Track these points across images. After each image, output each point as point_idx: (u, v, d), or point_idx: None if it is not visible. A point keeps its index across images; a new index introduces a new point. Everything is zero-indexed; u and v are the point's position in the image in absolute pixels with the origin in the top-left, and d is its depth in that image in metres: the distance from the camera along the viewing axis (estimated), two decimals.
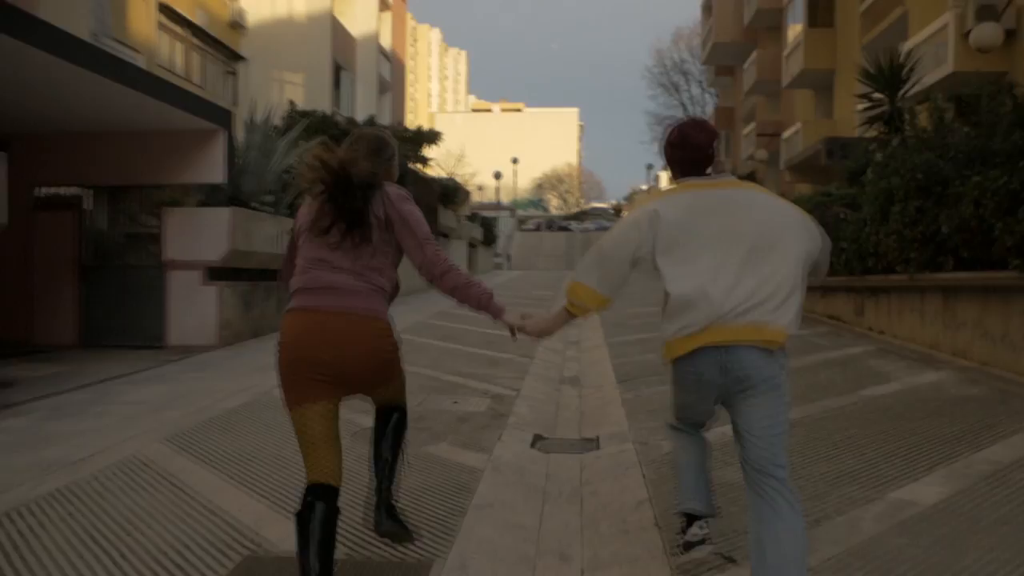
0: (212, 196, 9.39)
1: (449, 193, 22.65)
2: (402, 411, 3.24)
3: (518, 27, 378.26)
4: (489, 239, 34.44)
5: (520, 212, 71.94)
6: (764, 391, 2.61)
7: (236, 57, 21.57)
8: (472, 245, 30.12)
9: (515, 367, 8.21)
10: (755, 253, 2.60)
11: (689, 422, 3.04)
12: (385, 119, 21.89)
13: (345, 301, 2.69)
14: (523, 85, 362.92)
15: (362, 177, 2.71)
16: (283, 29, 22.47)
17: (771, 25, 32.53)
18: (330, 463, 2.65)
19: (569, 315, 2.84)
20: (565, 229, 65.83)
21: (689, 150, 2.80)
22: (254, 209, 9.82)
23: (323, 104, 20.36)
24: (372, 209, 2.76)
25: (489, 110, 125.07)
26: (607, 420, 6.34)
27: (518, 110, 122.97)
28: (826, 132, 24.18)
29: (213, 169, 9.04)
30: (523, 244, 51.65)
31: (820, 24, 24.91)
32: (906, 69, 12.98)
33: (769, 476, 2.54)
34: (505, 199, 70.49)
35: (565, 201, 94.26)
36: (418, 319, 12.81)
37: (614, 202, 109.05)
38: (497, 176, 45.43)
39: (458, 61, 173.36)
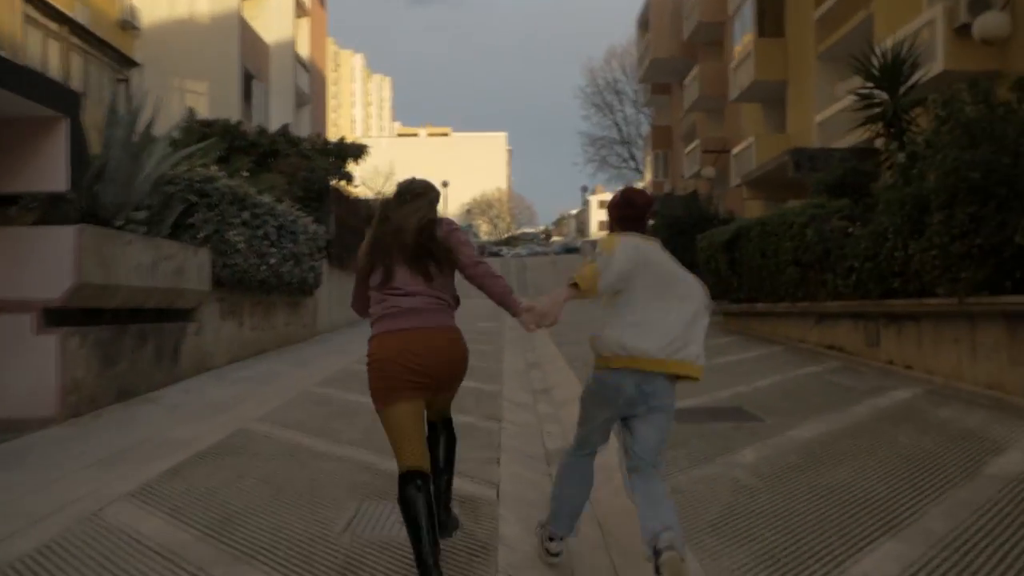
0: (52, 211, 6.82)
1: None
2: (450, 424, 3.77)
3: (442, 53, 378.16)
4: None
5: None
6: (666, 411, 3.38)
7: (128, 62, 18.79)
8: None
9: (483, 440, 5.93)
10: (683, 302, 3.32)
11: (590, 445, 3.56)
12: (304, 132, 19.40)
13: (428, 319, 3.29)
14: (449, 111, 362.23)
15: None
16: (184, 32, 19.82)
17: (711, 39, 31.39)
18: (420, 453, 3.26)
19: (574, 290, 3.25)
20: (496, 255, 63.81)
21: (632, 209, 3.46)
22: (118, 228, 7.28)
23: (232, 117, 17.74)
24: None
25: (415, 135, 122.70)
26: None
27: (445, 134, 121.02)
28: (781, 146, 22.76)
29: (50, 173, 6.52)
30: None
31: (770, 34, 23.65)
32: (908, 63, 11.33)
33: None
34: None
35: (496, 226, 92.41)
36: (344, 364, 10.38)
37: (544, 227, 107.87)
38: None
39: (382, 87, 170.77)
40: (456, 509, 3.93)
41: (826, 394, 7.78)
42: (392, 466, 3.65)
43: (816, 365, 9.92)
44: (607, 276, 3.24)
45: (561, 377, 9.82)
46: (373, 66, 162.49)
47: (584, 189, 53.70)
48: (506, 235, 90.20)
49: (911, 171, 9.00)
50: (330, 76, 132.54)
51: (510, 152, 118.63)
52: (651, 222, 3.78)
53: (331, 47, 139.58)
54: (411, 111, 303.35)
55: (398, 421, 3.27)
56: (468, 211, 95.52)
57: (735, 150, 25.32)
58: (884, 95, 11.62)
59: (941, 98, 8.85)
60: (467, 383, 3.87)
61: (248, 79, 20.71)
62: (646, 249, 3.36)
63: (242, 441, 5.77)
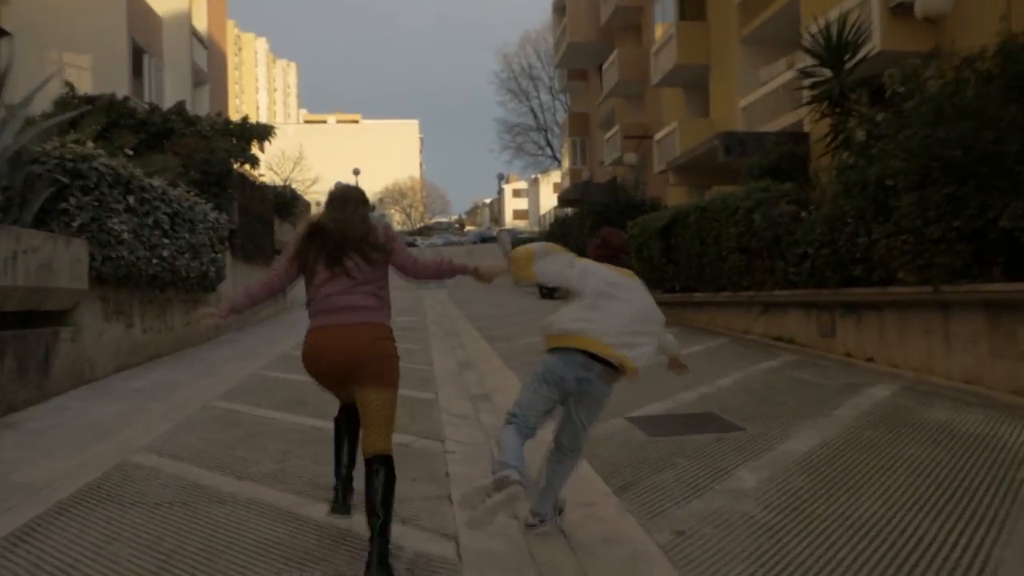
0: None
1: (286, 203, 18.76)
2: (389, 464, 3.37)
3: (350, 39, 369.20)
4: None
5: None
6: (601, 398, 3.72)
7: None
8: None
9: (426, 468, 4.94)
10: (635, 322, 3.66)
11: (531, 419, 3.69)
12: (203, 113, 17.70)
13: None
14: (358, 99, 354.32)
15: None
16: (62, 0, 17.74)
17: (630, 24, 30.91)
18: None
19: (510, 263, 3.82)
20: (412, 245, 62.28)
21: (608, 248, 3.90)
22: None
23: (119, 93, 15.91)
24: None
25: (324, 121, 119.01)
26: None
27: (355, 122, 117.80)
28: (705, 131, 22.38)
29: None
30: None
31: (692, 17, 23.20)
32: (852, 40, 10.80)
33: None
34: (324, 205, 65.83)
35: (409, 216, 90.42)
36: (253, 369, 9.11)
37: (457, 216, 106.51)
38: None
39: (287, 73, 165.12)
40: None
41: (797, 394, 7.07)
42: (315, 512, 3.72)
43: (771, 359, 9.27)
44: (545, 264, 3.76)
45: (499, 378, 8.84)
46: (277, 51, 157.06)
47: (500, 177, 52.86)
48: (419, 225, 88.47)
49: (871, 151, 8.40)
50: (232, 60, 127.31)
51: (422, 140, 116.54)
52: (626, 256, 4.07)
53: (232, 29, 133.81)
54: (318, 99, 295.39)
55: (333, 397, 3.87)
56: (380, 200, 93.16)
57: (657, 136, 24.85)
58: (828, 73, 11.08)
59: (899, 72, 8.28)
60: (400, 391, 3.58)
61: (138, 53, 18.79)
62: (612, 275, 3.75)
63: (121, 481, 4.56)
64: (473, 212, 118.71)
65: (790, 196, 10.64)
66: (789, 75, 18.14)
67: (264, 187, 17.52)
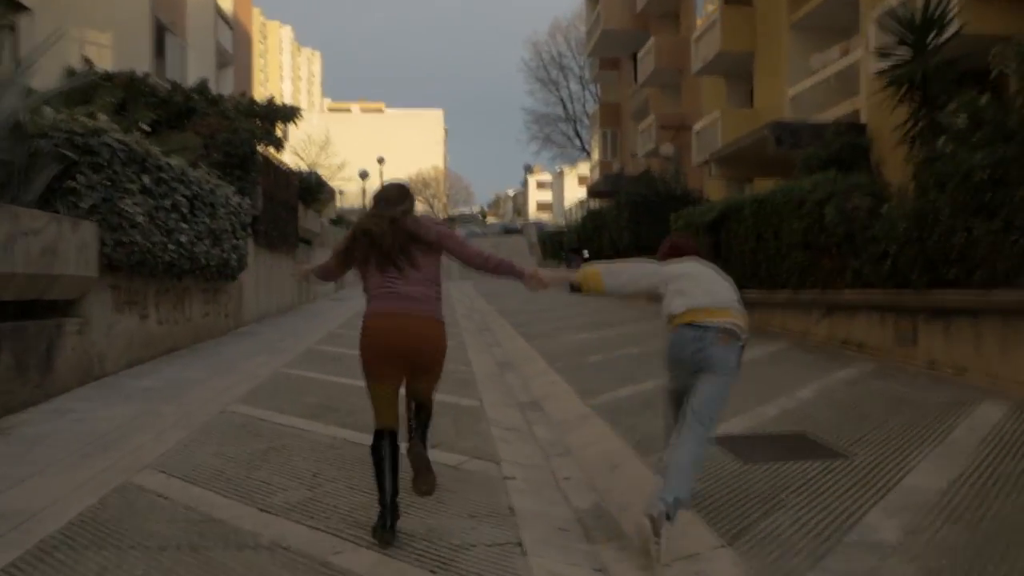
0: None
1: (311, 189, 18.03)
2: (429, 407, 3.95)
3: (374, 27, 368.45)
4: None
5: None
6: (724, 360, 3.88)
7: (15, 6, 16.01)
8: None
9: (483, 498, 4.22)
10: (717, 283, 4.01)
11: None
12: (227, 92, 16.99)
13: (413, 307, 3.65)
14: (382, 89, 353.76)
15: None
16: None
17: (667, 10, 29.88)
18: (392, 418, 3.70)
19: (574, 286, 4.12)
20: None
21: (677, 251, 4.25)
22: None
23: (140, 72, 15.21)
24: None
25: (348, 110, 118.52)
26: None
27: (379, 110, 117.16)
28: (749, 121, 21.39)
29: None
30: None
31: (737, 1, 22.12)
32: (938, 15, 9.82)
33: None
34: (369, 204, 65.27)
35: (432, 206, 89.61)
36: (276, 367, 8.34)
37: (479, 207, 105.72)
38: (363, 175, 40.47)
39: (312, 62, 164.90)
40: None
41: (894, 411, 6.17)
42: (356, 561, 3.21)
43: (846, 367, 8.36)
44: (614, 278, 4.06)
45: (546, 383, 8.01)
46: (302, 40, 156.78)
47: (527, 168, 51.65)
48: (442, 215, 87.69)
49: (971, 138, 7.46)
50: (257, 47, 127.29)
51: (447, 130, 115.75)
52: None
53: (258, 16, 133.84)
54: (343, 88, 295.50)
55: (376, 392, 3.73)
56: None
57: (697, 126, 23.83)
58: (906, 54, 10.11)
59: (1013, 50, 7.33)
60: (440, 396, 4.00)
61: (161, 32, 18.10)
62: (680, 265, 4.08)
63: (122, 511, 3.79)
64: (496, 204, 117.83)
65: (864, 189, 9.69)
66: (844, 63, 17.16)
67: (289, 172, 16.78)
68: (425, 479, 3.64)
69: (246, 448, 5.01)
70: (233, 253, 10.99)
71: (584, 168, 78.19)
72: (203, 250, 9.52)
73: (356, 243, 3.72)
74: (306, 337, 11.17)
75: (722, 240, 13.21)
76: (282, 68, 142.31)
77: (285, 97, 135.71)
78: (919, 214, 8.08)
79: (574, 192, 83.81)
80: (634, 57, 34.02)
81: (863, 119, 16.01)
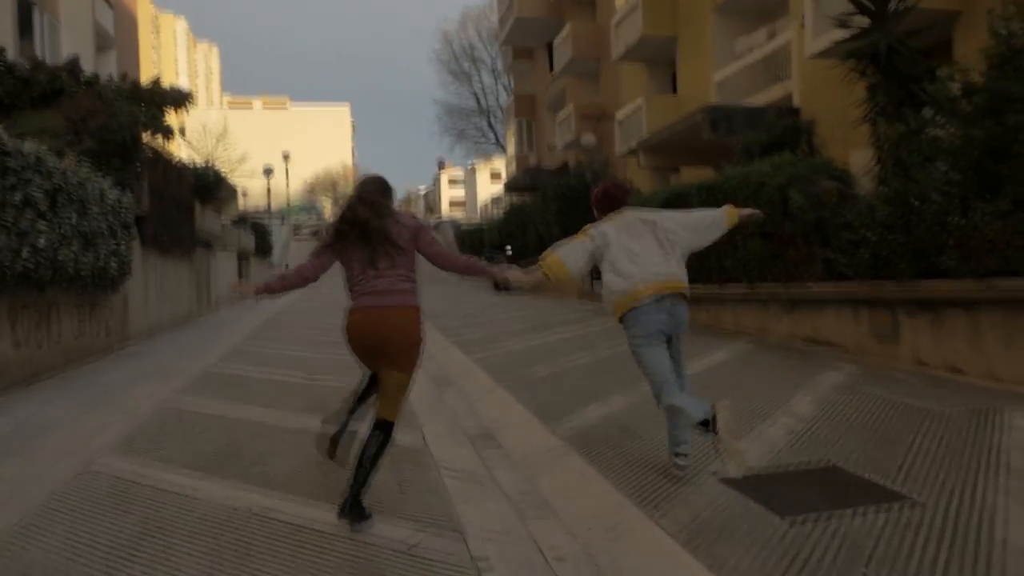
0: None
1: (209, 186, 16.21)
2: (389, 429, 3.78)
3: (274, 21, 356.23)
4: (264, 249, 27.69)
5: (293, 220, 64.31)
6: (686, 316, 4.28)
7: None
8: (243, 257, 23.40)
9: None
10: (663, 248, 4.19)
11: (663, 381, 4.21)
12: (106, 75, 14.92)
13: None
14: (285, 86, 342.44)
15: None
16: None
17: None
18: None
19: (544, 277, 4.21)
20: None
21: (611, 200, 4.41)
22: None
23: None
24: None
25: (249, 105, 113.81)
26: None
27: (283, 106, 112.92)
28: (675, 108, 20.73)
29: None
30: (302, 254, 44.42)
31: None
32: None
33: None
34: (275, 204, 62.51)
35: (341, 205, 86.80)
36: (166, 395, 6.82)
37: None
38: (268, 172, 37.99)
39: (209, 56, 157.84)
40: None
41: (915, 426, 5.22)
42: None
43: (828, 370, 7.44)
44: (573, 260, 4.20)
45: (495, 403, 6.79)
46: (198, 33, 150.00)
47: (440, 163, 49.99)
48: None
49: (966, 109, 6.64)
50: (150, 40, 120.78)
51: (354, 126, 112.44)
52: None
53: (149, 7, 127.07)
54: (243, 84, 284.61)
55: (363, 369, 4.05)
56: (311, 190, 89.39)
57: (620, 114, 23.02)
58: (866, 23, 9.33)
59: (1015, 6, 6.52)
60: None
61: (26, 7, 15.89)
62: (616, 226, 4.25)
63: None
64: (407, 201, 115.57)
65: (830, 171, 8.86)
66: (774, 45, 16.56)
67: (183, 166, 14.95)
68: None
69: (109, 531, 3.59)
70: (112, 259, 9.31)
71: (498, 163, 77.11)
72: (70, 256, 7.86)
73: (345, 233, 3.75)
74: (204, 355, 9.60)
75: None
76: (177, 63, 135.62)
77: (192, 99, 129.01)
78: (901, 196, 7.24)
79: (487, 188, 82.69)
80: (549, 47, 33.09)
81: (796, 102, 15.43)
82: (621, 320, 4.19)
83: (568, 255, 4.17)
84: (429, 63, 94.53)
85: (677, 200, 11.78)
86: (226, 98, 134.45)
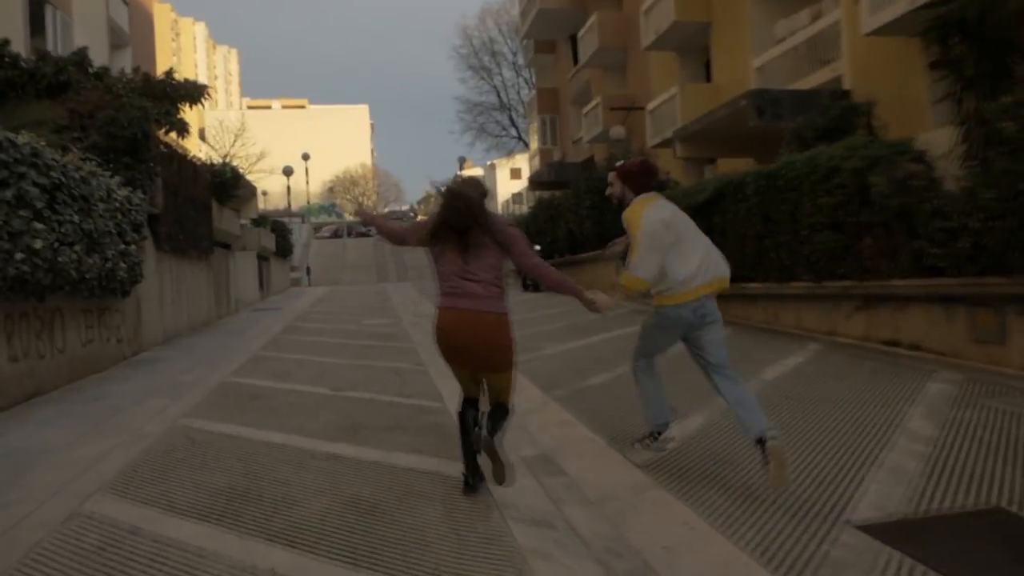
0: None
1: (227, 184, 15.50)
2: (506, 408, 4.01)
3: (294, 25, 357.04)
4: (284, 250, 27.02)
5: (313, 219, 63.82)
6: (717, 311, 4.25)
7: None
8: (263, 258, 22.71)
9: None
10: (707, 248, 4.30)
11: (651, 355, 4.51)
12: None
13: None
14: (304, 87, 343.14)
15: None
16: None
17: None
18: (475, 391, 4.00)
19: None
20: (365, 235, 58.86)
21: (653, 176, 4.38)
22: None
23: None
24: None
25: (268, 107, 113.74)
26: None
27: (301, 107, 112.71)
28: (709, 97, 19.77)
29: None
30: (323, 254, 43.86)
31: None
32: None
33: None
34: (295, 204, 62.10)
35: (361, 205, 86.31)
36: (177, 415, 6.04)
37: (410, 205, 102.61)
38: (288, 172, 37.41)
39: (228, 60, 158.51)
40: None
41: None
42: None
43: (930, 379, 6.50)
44: (646, 269, 4.10)
45: (551, 421, 5.94)
46: (218, 38, 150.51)
47: (461, 160, 48.97)
48: (374, 214, 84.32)
49: None
50: (169, 46, 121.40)
51: (373, 126, 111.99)
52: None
53: (169, 14, 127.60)
54: (262, 87, 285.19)
55: (457, 375, 4.02)
56: (330, 189, 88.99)
57: (651, 105, 22.08)
58: None
59: None
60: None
61: (38, 3, 15.27)
62: (670, 217, 4.21)
63: None
64: (427, 200, 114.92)
65: (911, 153, 7.92)
66: (821, 24, 15.57)
67: (199, 163, 14.24)
68: (500, 471, 3.89)
69: None
70: (121, 261, 8.57)
71: (518, 160, 76.19)
72: (72, 259, 7.11)
73: (443, 229, 3.81)
74: (222, 364, 8.83)
75: (716, 224, 11.36)
76: (197, 67, 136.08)
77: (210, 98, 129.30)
78: (1010, 178, 6.30)
79: (507, 186, 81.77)
80: (572, 39, 32.22)
81: (847, 84, 14.45)
82: (657, 306, 4.27)
83: (644, 268, 4.08)
84: (448, 61, 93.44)
85: (732, 190, 10.89)
86: (246, 101, 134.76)
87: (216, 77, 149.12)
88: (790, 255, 9.57)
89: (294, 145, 72.37)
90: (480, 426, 3.86)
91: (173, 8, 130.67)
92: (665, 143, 20.49)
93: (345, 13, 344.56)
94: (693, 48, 21.86)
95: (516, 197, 60.26)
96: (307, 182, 47.25)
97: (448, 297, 3.79)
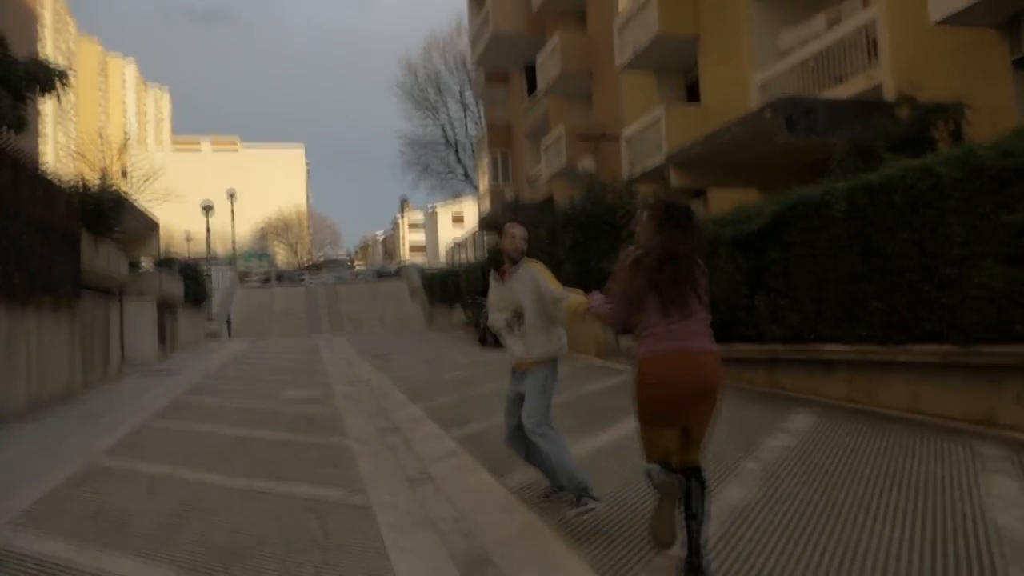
0: None
1: (103, 212, 11.76)
2: (702, 473, 3.44)
3: (225, 69, 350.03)
4: (196, 297, 23.05)
5: (242, 265, 59.36)
6: None
7: None
8: (166, 307, 18.83)
9: None
10: None
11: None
12: None
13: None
14: (237, 127, 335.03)
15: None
16: None
17: (570, 8, 25.56)
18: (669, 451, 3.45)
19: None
20: (298, 282, 54.70)
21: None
22: None
23: None
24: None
25: (197, 147, 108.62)
26: None
27: (233, 147, 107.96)
28: (699, 120, 17.01)
29: None
30: (248, 303, 39.52)
31: None
32: None
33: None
34: (222, 249, 57.69)
35: (295, 250, 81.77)
36: None
37: (346, 251, 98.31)
38: (207, 209, 33.18)
39: (160, 101, 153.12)
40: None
41: None
42: None
43: None
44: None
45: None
46: (148, 76, 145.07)
47: (403, 201, 45.27)
48: (307, 260, 79.92)
49: None
50: (95, 83, 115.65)
51: (308, 168, 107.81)
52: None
53: (97, 52, 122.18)
54: (194, 128, 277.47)
55: (659, 441, 3.43)
56: (262, 235, 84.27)
57: (628, 131, 19.22)
58: None
59: None
60: None
61: None
62: None
63: None
64: (364, 248, 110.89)
65: None
66: (850, 26, 12.94)
67: (57, 180, 10.57)
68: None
69: None
70: None
71: (461, 206, 73.27)
72: None
73: (654, 266, 3.39)
74: (16, 490, 5.18)
75: (774, 262, 8.25)
76: (125, 105, 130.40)
77: (131, 137, 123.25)
78: None
79: (449, 232, 78.71)
80: (527, 69, 29.56)
81: (889, 94, 11.77)
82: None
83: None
84: (391, 108, 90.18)
85: (802, 214, 7.80)
86: (172, 137, 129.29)
87: (146, 115, 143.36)
88: (913, 304, 6.47)
89: (224, 186, 68.10)
90: (692, 542, 3.30)
91: (102, 44, 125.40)
92: (645, 175, 17.58)
93: (284, 59, 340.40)
94: (674, 67, 19.22)
95: (458, 245, 56.77)
96: (232, 223, 43.11)
97: (665, 340, 3.34)
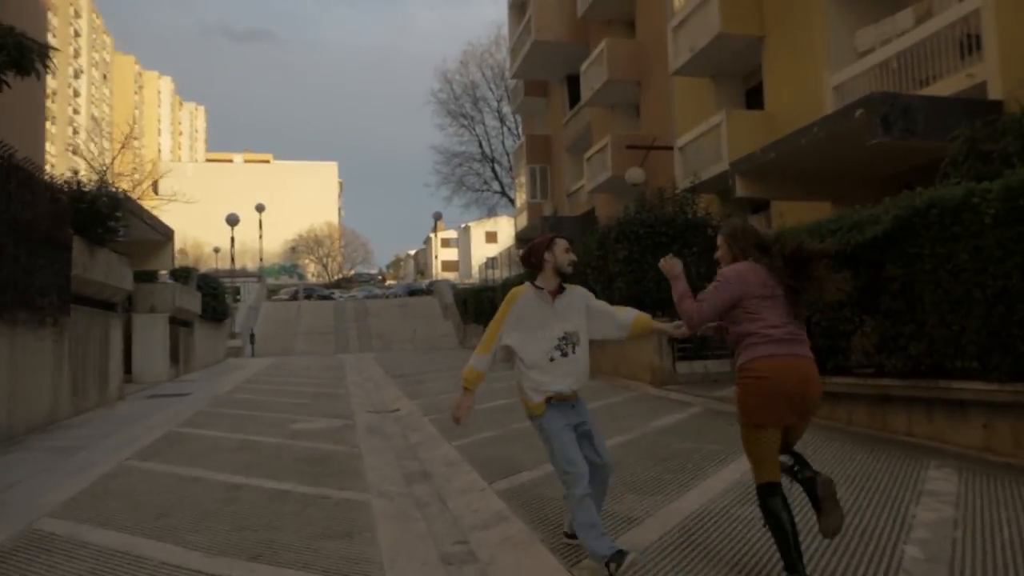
0: None
1: (99, 215, 10.49)
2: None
3: (266, 88, 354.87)
4: (216, 313, 21.86)
5: (271, 280, 58.60)
6: None
7: None
8: (182, 323, 17.62)
9: None
10: None
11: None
12: None
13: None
14: (272, 144, 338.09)
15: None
16: None
17: (616, 16, 24.24)
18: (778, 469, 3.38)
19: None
20: (327, 298, 53.72)
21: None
22: None
23: None
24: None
25: (229, 160, 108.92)
26: None
27: (265, 162, 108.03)
28: (762, 127, 15.52)
29: None
30: (274, 319, 38.42)
31: None
32: None
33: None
34: (252, 264, 57.01)
35: (326, 267, 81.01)
36: None
37: (378, 269, 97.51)
38: (232, 222, 32.02)
39: (195, 117, 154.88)
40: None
41: None
42: None
43: None
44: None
45: None
46: (184, 94, 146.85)
47: (437, 216, 44.13)
48: (338, 276, 79.03)
49: None
50: (132, 99, 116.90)
51: (341, 184, 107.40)
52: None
53: (133, 66, 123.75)
54: (229, 143, 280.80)
55: (767, 440, 3.33)
56: (293, 249, 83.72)
57: (683, 139, 17.75)
58: None
59: None
60: None
61: None
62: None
63: None
64: (395, 264, 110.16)
65: None
66: (949, 18, 11.39)
67: (40, 176, 9.35)
68: (835, 515, 3.39)
69: None
70: None
71: (496, 223, 72.06)
72: None
73: (773, 270, 3.42)
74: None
75: (888, 278, 6.71)
76: (160, 122, 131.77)
77: (164, 151, 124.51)
78: None
79: (482, 250, 77.53)
80: (569, 80, 28.30)
81: (995, 92, 10.21)
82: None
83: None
84: (427, 127, 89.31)
85: (934, 219, 6.27)
86: (206, 154, 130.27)
87: (180, 132, 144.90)
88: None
89: (256, 200, 67.72)
90: (811, 470, 3.44)
91: (138, 60, 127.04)
92: (703, 185, 16.09)
93: (323, 75, 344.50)
94: (733, 72, 17.75)
95: (491, 261, 55.47)
96: (260, 236, 42.22)
97: (772, 344, 3.31)
